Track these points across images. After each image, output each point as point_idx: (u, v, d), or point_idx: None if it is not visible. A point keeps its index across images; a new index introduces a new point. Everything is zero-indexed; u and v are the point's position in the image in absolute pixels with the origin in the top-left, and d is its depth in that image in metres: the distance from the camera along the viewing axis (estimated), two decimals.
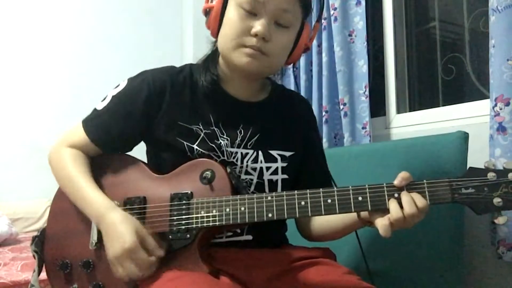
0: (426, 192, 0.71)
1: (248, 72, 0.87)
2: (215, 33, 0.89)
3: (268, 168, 0.90)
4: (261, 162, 0.89)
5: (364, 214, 0.78)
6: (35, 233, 0.91)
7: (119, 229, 0.77)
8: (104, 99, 0.92)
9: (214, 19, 0.86)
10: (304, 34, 0.89)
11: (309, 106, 1.06)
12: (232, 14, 0.83)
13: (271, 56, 0.84)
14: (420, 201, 0.70)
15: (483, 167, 0.70)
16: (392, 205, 0.71)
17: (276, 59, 0.87)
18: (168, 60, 0.96)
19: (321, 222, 0.93)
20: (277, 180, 0.91)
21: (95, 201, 0.82)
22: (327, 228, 0.91)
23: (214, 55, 0.94)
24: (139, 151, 0.95)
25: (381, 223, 0.71)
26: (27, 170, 2.49)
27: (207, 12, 0.88)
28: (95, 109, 0.92)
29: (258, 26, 0.81)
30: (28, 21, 2.61)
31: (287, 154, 0.93)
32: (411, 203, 0.70)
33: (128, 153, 0.94)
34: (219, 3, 0.85)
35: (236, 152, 0.88)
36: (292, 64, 0.97)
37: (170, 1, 3.02)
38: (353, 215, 0.81)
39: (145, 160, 0.95)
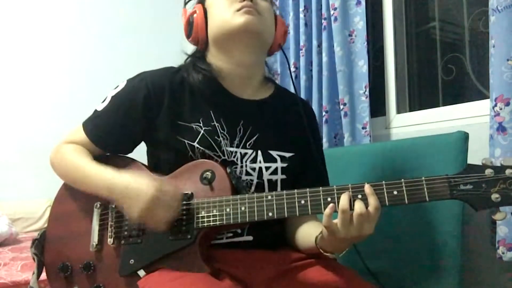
0: (425, 189, 0.70)
1: (251, 33, 0.88)
2: (205, 29, 0.93)
3: (267, 168, 0.90)
4: (260, 162, 0.89)
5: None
6: (35, 234, 0.92)
7: (137, 184, 0.77)
8: (104, 100, 0.92)
9: (201, 17, 0.92)
10: (278, 17, 0.98)
11: (310, 109, 1.06)
12: None
13: (263, 14, 0.90)
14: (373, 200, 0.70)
15: (481, 164, 0.70)
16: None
17: (268, 21, 0.93)
18: (168, 60, 0.95)
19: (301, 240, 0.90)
20: (276, 180, 0.91)
21: (101, 173, 0.83)
22: (302, 245, 0.89)
23: (199, 54, 0.97)
24: (139, 152, 0.95)
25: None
26: (27, 170, 2.49)
27: (190, 21, 0.94)
28: (95, 110, 0.93)
29: None
30: (27, 22, 2.61)
31: (287, 155, 0.93)
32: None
33: (129, 154, 0.95)
34: (199, 4, 0.94)
35: (236, 152, 0.88)
36: (291, 64, 0.97)
37: (170, 1, 3.01)
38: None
39: (146, 161, 0.95)
